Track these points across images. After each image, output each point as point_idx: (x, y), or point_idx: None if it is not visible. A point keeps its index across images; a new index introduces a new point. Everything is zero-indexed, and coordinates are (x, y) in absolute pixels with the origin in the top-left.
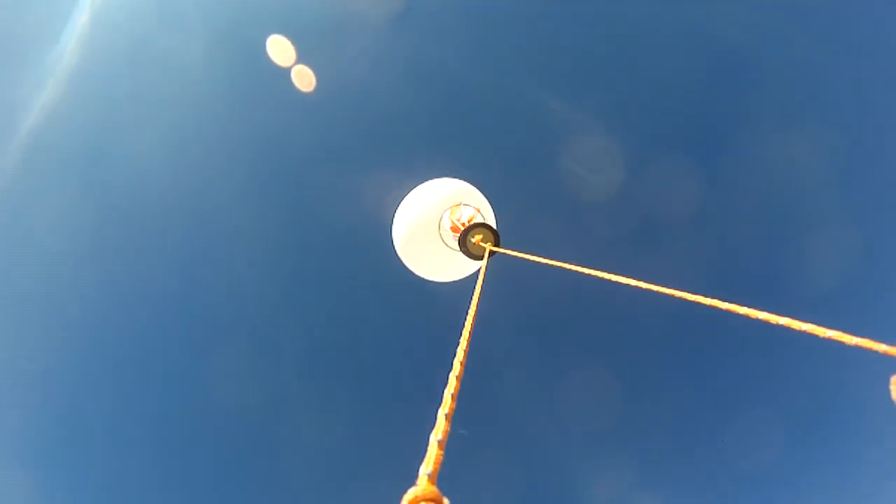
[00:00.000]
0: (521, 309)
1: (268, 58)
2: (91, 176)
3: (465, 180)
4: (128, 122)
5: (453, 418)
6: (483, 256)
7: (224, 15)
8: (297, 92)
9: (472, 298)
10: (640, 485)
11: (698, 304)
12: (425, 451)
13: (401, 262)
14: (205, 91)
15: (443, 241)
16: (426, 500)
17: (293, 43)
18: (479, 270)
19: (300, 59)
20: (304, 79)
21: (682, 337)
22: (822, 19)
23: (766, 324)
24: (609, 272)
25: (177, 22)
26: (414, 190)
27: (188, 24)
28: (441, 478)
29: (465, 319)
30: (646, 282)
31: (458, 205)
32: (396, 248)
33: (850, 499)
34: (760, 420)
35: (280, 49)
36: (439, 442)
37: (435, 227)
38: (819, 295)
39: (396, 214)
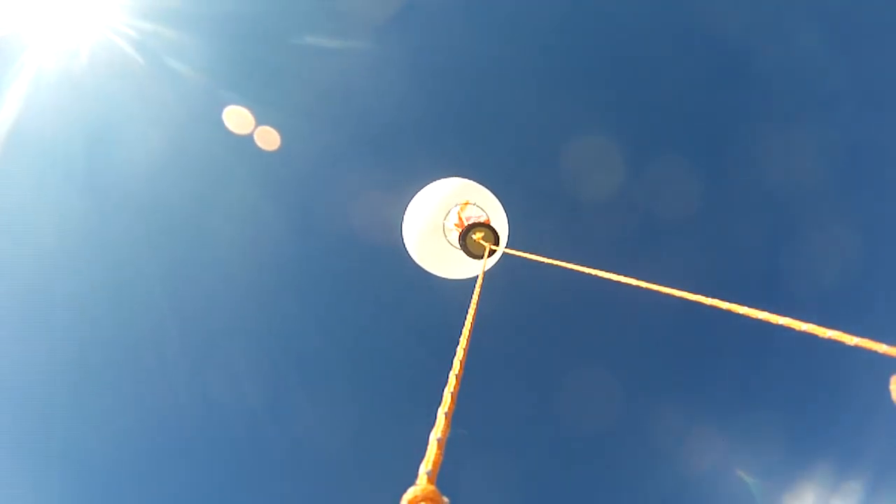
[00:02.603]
0: (521, 308)
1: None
2: (86, 174)
3: (467, 177)
4: (118, 123)
5: (453, 418)
6: (483, 255)
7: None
8: (298, 94)
9: (472, 297)
10: (639, 485)
11: (698, 304)
12: (425, 450)
13: (407, 254)
14: (202, 93)
15: (446, 238)
16: (426, 499)
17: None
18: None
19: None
20: (267, 139)
21: (683, 337)
22: (822, 18)
23: (766, 324)
24: (609, 272)
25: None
26: (426, 187)
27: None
28: (441, 478)
29: (466, 318)
30: (646, 282)
31: (466, 203)
32: (405, 240)
33: (850, 499)
34: (760, 420)
35: (237, 118)
36: (439, 441)
37: (441, 225)
38: (819, 295)
39: (408, 208)
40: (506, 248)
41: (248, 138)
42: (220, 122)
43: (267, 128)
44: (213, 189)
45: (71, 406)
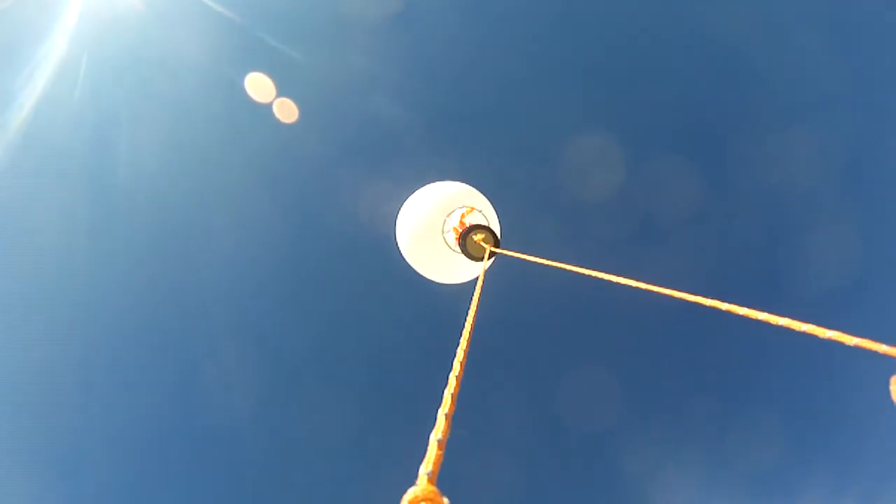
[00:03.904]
0: (521, 309)
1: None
2: (84, 173)
3: (466, 180)
4: (122, 122)
5: (453, 418)
6: (482, 258)
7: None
8: (300, 94)
9: (472, 299)
10: (638, 485)
11: (698, 304)
12: (425, 451)
13: (404, 260)
14: (203, 92)
15: (445, 241)
16: (426, 500)
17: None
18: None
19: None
20: (286, 111)
21: (683, 338)
22: (823, 19)
23: (766, 324)
24: (609, 272)
25: (172, 19)
26: (419, 191)
27: (185, 20)
28: (441, 478)
29: (466, 319)
30: (646, 282)
31: (471, 209)
32: (401, 246)
33: (851, 499)
34: (760, 420)
35: (258, 85)
36: (439, 442)
37: (440, 227)
38: (819, 295)
39: (401, 214)
40: (504, 250)
41: (268, 107)
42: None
43: (286, 99)
44: (209, 186)
45: (72, 405)
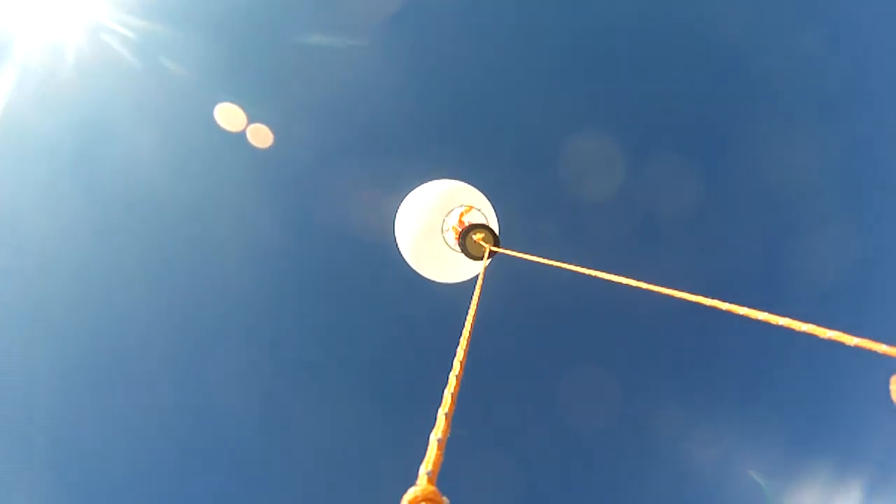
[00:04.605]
0: (521, 309)
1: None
2: (74, 173)
3: (463, 180)
4: (115, 123)
5: (453, 418)
6: (482, 257)
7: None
8: (296, 92)
9: (472, 298)
10: (638, 486)
11: (698, 304)
12: (425, 451)
13: (403, 260)
14: (197, 94)
15: (445, 241)
16: (426, 500)
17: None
18: (479, 271)
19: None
20: (259, 137)
21: (683, 337)
22: (822, 18)
23: (766, 324)
24: (609, 272)
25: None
26: (417, 189)
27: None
28: (441, 478)
29: (466, 319)
30: (646, 282)
31: (470, 208)
32: (400, 246)
33: (850, 499)
34: (761, 420)
35: (229, 115)
36: (439, 442)
37: (439, 226)
38: (819, 295)
39: (400, 213)
40: (504, 249)
41: (241, 135)
42: (212, 119)
43: (259, 125)
44: (204, 191)
45: (64, 406)
